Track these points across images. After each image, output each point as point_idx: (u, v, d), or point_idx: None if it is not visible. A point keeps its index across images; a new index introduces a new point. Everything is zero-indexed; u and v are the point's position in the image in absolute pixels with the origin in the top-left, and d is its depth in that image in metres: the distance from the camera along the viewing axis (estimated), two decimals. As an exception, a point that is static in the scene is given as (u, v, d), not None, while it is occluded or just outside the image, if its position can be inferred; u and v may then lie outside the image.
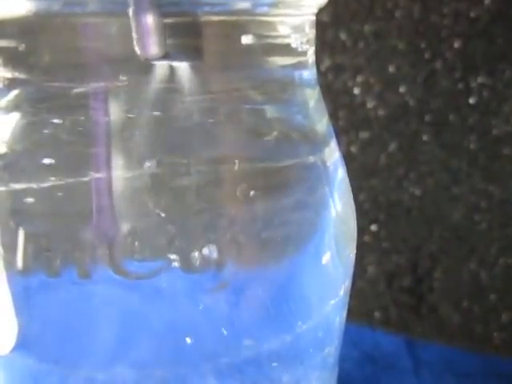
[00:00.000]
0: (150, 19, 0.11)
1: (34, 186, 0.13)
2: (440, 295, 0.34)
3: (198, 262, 0.13)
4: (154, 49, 0.11)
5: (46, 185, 0.12)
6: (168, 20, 0.11)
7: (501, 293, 0.33)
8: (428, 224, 0.33)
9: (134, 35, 0.11)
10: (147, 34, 0.11)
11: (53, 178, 0.12)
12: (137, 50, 0.11)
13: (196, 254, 0.13)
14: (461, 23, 0.29)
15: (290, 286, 0.14)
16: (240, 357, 0.14)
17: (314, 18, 0.15)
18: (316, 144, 0.15)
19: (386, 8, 0.30)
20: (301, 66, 0.15)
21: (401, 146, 0.32)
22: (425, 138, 0.32)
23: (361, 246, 0.16)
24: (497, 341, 0.34)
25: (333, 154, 0.15)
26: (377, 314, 0.36)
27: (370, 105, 0.32)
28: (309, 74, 0.15)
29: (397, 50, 0.31)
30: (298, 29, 0.14)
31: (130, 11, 0.11)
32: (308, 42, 0.15)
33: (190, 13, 0.12)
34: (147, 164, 0.12)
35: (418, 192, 0.33)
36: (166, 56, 0.12)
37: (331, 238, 0.15)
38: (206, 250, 0.13)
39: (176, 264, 0.13)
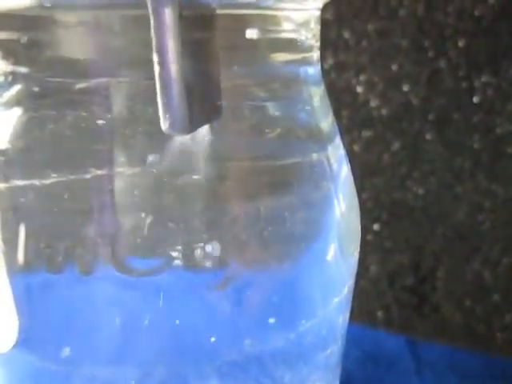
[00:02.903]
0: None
1: (35, 182, 0.12)
2: (443, 295, 0.34)
3: (200, 260, 0.12)
4: (181, 126, 0.11)
5: (47, 181, 0.12)
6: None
7: (504, 293, 0.33)
8: (431, 223, 0.33)
9: (160, 107, 0.11)
10: (175, 105, 0.11)
11: (54, 175, 0.12)
12: (163, 125, 0.11)
13: (199, 251, 0.12)
14: (465, 21, 0.29)
15: (294, 285, 0.14)
16: (243, 355, 0.14)
17: (319, 13, 0.15)
18: (320, 141, 0.15)
19: (390, 6, 0.30)
20: (306, 62, 0.14)
21: (404, 145, 0.32)
22: (428, 136, 0.31)
23: (363, 245, 0.16)
24: (500, 341, 0.34)
25: (337, 152, 0.15)
26: (379, 314, 0.36)
27: (373, 103, 0.32)
28: (313, 70, 0.15)
29: (400, 49, 0.30)
30: (303, 24, 0.14)
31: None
32: (313, 37, 0.14)
33: (195, 5, 0.12)
34: (150, 159, 0.12)
35: (421, 191, 0.33)
36: (191, 130, 0.11)
37: (335, 236, 0.15)
38: (208, 248, 0.13)
39: (178, 261, 0.12)
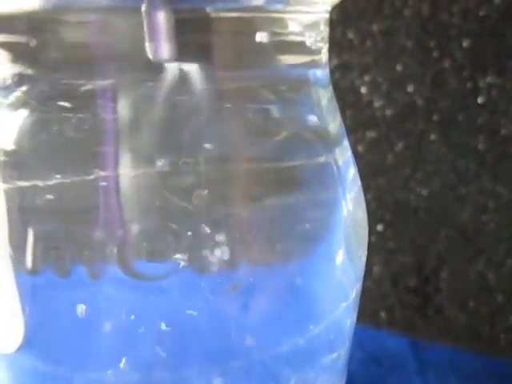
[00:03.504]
0: (162, 18, 0.11)
1: (41, 183, 0.12)
2: (446, 296, 0.34)
3: (208, 263, 0.12)
4: (165, 50, 0.11)
5: (53, 183, 0.12)
6: (180, 16, 0.11)
7: (508, 294, 0.33)
8: (435, 224, 0.33)
9: (146, 36, 0.11)
10: (159, 34, 0.11)
11: (60, 176, 0.12)
12: (148, 51, 0.11)
13: (206, 254, 0.12)
14: (470, 22, 0.29)
15: (302, 289, 0.14)
16: (249, 359, 0.14)
17: (327, 15, 0.15)
18: (328, 143, 0.15)
19: (395, 6, 0.30)
20: (314, 64, 0.14)
21: (408, 146, 0.32)
22: (432, 137, 0.31)
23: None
24: (503, 342, 0.34)
25: (345, 153, 0.15)
26: (382, 315, 0.36)
27: (377, 104, 0.32)
28: (322, 72, 0.15)
29: (405, 49, 0.30)
30: (311, 27, 0.14)
31: (143, 8, 0.11)
32: (322, 40, 0.14)
33: (202, 9, 0.11)
34: (159, 163, 0.12)
35: (424, 192, 0.33)
36: (177, 58, 0.11)
37: (343, 239, 0.15)
38: (216, 251, 0.12)
39: (186, 264, 0.12)
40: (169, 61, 0.12)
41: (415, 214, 0.33)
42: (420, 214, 0.33)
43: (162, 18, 0.11)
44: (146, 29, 0.11)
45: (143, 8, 0.11)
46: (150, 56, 0.11)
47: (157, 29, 0.11)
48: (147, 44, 0.11)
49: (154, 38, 0.11)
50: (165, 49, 0.11)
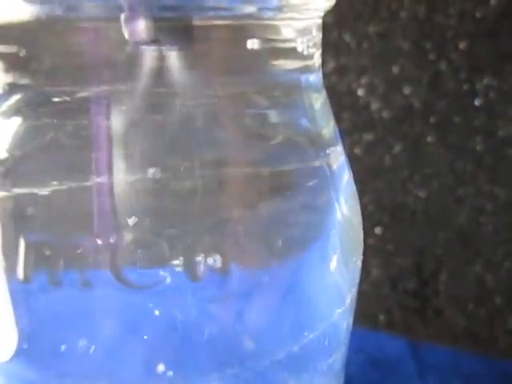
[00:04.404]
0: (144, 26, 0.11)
1: (35, 191, 0.12)
2: (445, 298, 0.34)
3: (202, 269, 0.12)
4: (142, 32, 0.11)
5: (47, 190, 0.12)
6: (172, 24, 0.11)
7: (506, 296, 0.33)
8: (433, 226, 0.33)
9: (123, 18, 0.11)
10: (136, 16, 0.11)
11: (54, 183, 0.12)
12: (125, 33, 0.11)
13: (200, 260, 0.12)
14: (466, 24, 0.29)
15: (297, 295, 0.14)
16: (245, 365, 0.14)
17: (320, 21, 0.15)
18: (322, 148, 0.15)
19: (391, 9, 0.30)
20: (307, 69, 0.14)
21: (405, 148, 0.32)
22: (429, 139, 0.31)
23: (365, 249, 0.16)
24: (502, 344, 0.34)
25: (339, 158, 0.15)
26: (381, 317, 0.36)
27: (374, 106, 0.32)
28: (315, 77, 0.15)
29: (401, 51, 0.30)
30: (304, 32, 0.14)
31: (122, 17, 0.10)
32: (314, 45, 0.14)
33: (195, 17, 0.11)
34: (151, 171, 0.12)
35: (422, 194, 0.32)
36: (154, 41, 0.11)
37: (337, 244, 0.15)
38: (210, 257, 0.12)
39: (180, 270, 0.12)
40: (146, 43, 0.11)
41: (413, 216, 0.33)
42: (418, 216, 0.33)
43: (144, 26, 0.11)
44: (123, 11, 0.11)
45: (122, 17, 0.10)
46: (127, 37, 0.11)
47: (134, 9, 0.11)
48: (124, 26, 0.11)
49: (130, 19, 0.11)
50: (142, 30, 0.11)
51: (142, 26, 0.10)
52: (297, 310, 0.14)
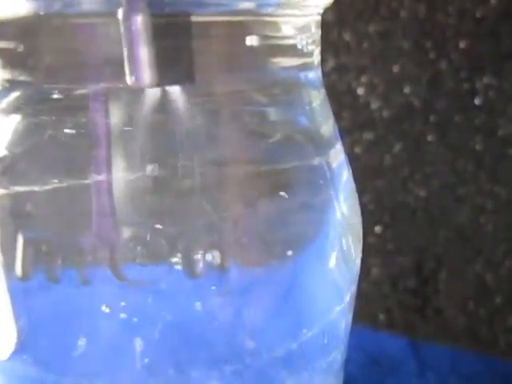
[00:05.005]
0: (141, 23, 0.11)
1: (34, 188, 0.12)
2: (445, 297, 0.34)
3: (201, 266, 0.12)
4: (147, 77, 0.11)
5: (46, 187, 0.12)
6: (169, 20, 0.11)
7: (507, 295, 0.33)
8: (433, 225, 0.33)
9: (121, 14, 0.10)
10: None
11: (54, 181, 0.12)
12: (128, 79, 0.11)
13: (199, 257, 0.12)
14: (467, 23, 0.29)
15: (296, 292, 0.14)
16: (243, 363, 0.14)
17: (319, 18, 0.14)
18: (321, 146, 0.15)
19: (391, 7, 0.30)
20: (306, 67, 0.14)
21: (405, 147, 0.32)
22: (430, 138, 0.31)
23: (365, 248, 0.16)
24: (502, 343, 0.34)
25: (338, 156, 0.15)
26: (381, 316, 0.36)
27: (374, 105, 0.32)
28: (314, 75, 0.15)
29: (402, 50, 0.30)
30: (303, 29, 0.14)
31: (120, 14, 0.10)
32: (314, 42, 0.14)
33: (193, 13, 0.11)
34: (149, 167, 0.12)
35: (422, 193, 0.32)
36: (159, 83, 0.11)
37: (336, 242, 0.15)
38: (208, 254, 0.12)
39: (179, 267, 0.12)
40: (151, 87, 0.11)
41: (413, 215, 0.33)
42: (418, 215, 0.33)
43: (141, 23, 0.10)
44: (125, 57, 0.11)
45: (120, 14, 0.10)
46: (131, 83, 0.11)
47: (132, 4, 0.11)
48: (127, 72, 0.11)
49: (134, 65, 0.11)
50: (146, 75, 0.11)
51: (140, 22, 0.10)
52: (295, 307, 0.14)
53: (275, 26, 0.13)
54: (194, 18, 0.11)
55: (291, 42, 0.14)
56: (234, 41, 0.13)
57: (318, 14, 0.14)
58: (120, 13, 0.10)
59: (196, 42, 0.12)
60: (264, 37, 0.13)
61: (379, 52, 0.31)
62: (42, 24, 0.12)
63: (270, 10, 0.13)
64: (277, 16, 0.13)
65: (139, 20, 0.10)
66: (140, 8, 0.10)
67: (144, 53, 0.11)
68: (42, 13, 0.11)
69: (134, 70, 0.11)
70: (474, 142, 0.31)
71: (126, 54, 0.11)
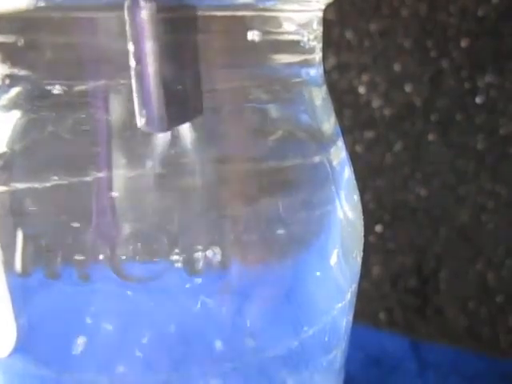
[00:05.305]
0: (146, 16, 0.10)
1: (34, 185, 0.12)
2: (446, 297, 0.34)
3: (201, 264, 0.12)
4: (157, 122, 0.11)
5: (46, 184, 0.12)
6: (169, 14, 0.11)
7: (508, 294, 0.33)
8: (434, 224, 0.33)
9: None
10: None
11: (53, 178, 0.12)
12: (138, 121, 0.11)
13: (199, 255, 0.12)
14: (468, 21, 0.29)
15: (296, 290, 0.14)
16: (244, 360, 0.14)
17: (321, 14, 0.14)
18: (322, 143, 0.15)
19: (393, 6, 0.30)
20: (308, 63, 0.14)
21: (406, 146, 0.32)
22: (431, 137, 0.31)
23: (365, 247, 0.16)
24: (503, 343, 0.34)
25: (339, 154, 0.15)
26: (381, 316, 0.36)
27: (375, 104, 0.32)
28: (316, 72, 0.15)
29: (403, 49, 0.30)
30: (305, 25, 0.14)
31: (126, 5, 0.10)
32: (315, 38, 0.14)
33: (192, 7, 0.11)
34: (149, 164, 0.12)
35: (423, 192, 0.32)
36: (169, 128, 0.11)
37: (338, 240, 0.15)
38: (209, 252, 0.12)
39: (179, 265, 0.12)
40: (160, 131, 0.11)
41: (414, 214, 0.33)
42: (419, 215, 0.33)
43: (146, 16, 0.10)
44: (135, 94, 0.11)
45: (126, 4, 0.10)
46: (139, 125, 0.11)
47: (149, 95, 0.10)
48: (137, 111, 0.11)
49: (145, 106, 0.11)
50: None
51: (145, 15, 0.10)
52: (296, 305, 0.14)
53: (277, 21, 0.13)
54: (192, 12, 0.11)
55: (293, 37, 0.14)
56: (235, 37, 0.12)
57: (320, 10, 0.14)
58: (125, 6, 0.10)
59: (197, 37, 0.12)
60: (265, 32, 0.13)
61: (380, 50, 0.31)
62: (42, 18, 0.11)
63: (270, 3, 0.12)
64: (278, 11, 0.13)
65: (144, 13, 0.10)
66: (145, 1, 0.10)
67: (154, 92, 0.10)
68: (42, 5, 0.11)
69: (145, 114, 0.11)
70: (475, 141, 0.31)
71: (135, 95, 0.11)
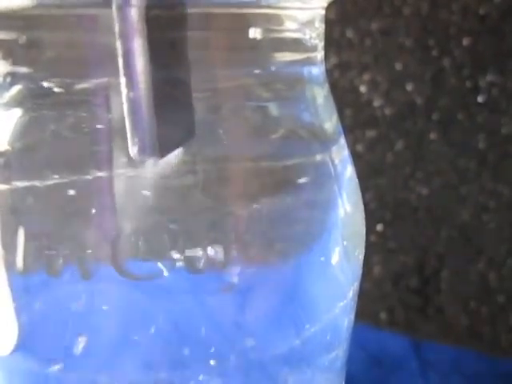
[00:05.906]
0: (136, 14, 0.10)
1: (35, 183, 0.12)
2: (447, 296, 0.34)
3: (202, 262, 0.12)
4: (149, 149, 0.10)
5: (47, 182, 0.12)
6: (172, 12, 0.11)
7: (509, 294, 0.33)
8: (435, 224, 0.33)
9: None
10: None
11: (55, 176, 0.12)
12: (131, 150, 0.11)
13: (201, 253, 0.12)
14: (470, 20, 0.29)
15: (298, 289, 0.14)
16: (245, 359, 0.14)
17: (323, 12, 0.14)
18: (324, 142, 0.15)
19: (394, 5, 0.30)
20: (310, 62, 0.14)
21: (408, 145, 0.32)
22: (432, 136, 0.31)
23: (367, 246, 0.16)
24: (504, 342, 0.34)
25: (341, 152, 0.15)
26: (383, 315, 0.36)
27: (376, 103, 0.32)
28: (318, 70, 0.15)
29: (404, 48, 0.30)
30: (307, 23, 0.14)
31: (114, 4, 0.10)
32: (317, 37, 0.14)
33: (195, 4, 0.11)
34: (150, 163, 0.12)
35: (425, 191, 0.32)
36: (162, 155, 0.11)
37: (339, 238, 0.15)
38: (210, 250, 0.12)
39: (180, 264, 0.12)
40: (153, 158, 0.11)
41: (415, 213, 0.33)
42: (420, 214, 0.33)
43: (135, 14, 0.10)
44: (127, 122, 0.10)
45: (114, 3, 0.10)
46: (131, 153, 0.11)
47: (141, 123, 0.10)
48: (129, 139, 0.10)
49: (137, 134, 0.10)
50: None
51: (134, 14, 0.10)
52: (298, 304, 0.14)
53: (278, 19, 0.13)
54: (195, 10, 0.11)
55: (295, 35, 0.13)
56: (237, 35, 0.12)
57: (322, 8, 0.14)
58: (114, 4, 0.10)
59: (198, 35, 0.12)
60: (267, 30, 0.13)
61: (382, 49, 0.31)
62: (44, 16, 0.11)
63: (272, 1, 0.12)
64: (280, 9, 0.13)
65: (133, 11, 0.10)
66: None
67: (145, 120, 0.10)
68: (44, 2, 0.11)
69: (137, 142, 0.11)
70: (477, 140, 0.31)
71: (127, 123, 0.10)
